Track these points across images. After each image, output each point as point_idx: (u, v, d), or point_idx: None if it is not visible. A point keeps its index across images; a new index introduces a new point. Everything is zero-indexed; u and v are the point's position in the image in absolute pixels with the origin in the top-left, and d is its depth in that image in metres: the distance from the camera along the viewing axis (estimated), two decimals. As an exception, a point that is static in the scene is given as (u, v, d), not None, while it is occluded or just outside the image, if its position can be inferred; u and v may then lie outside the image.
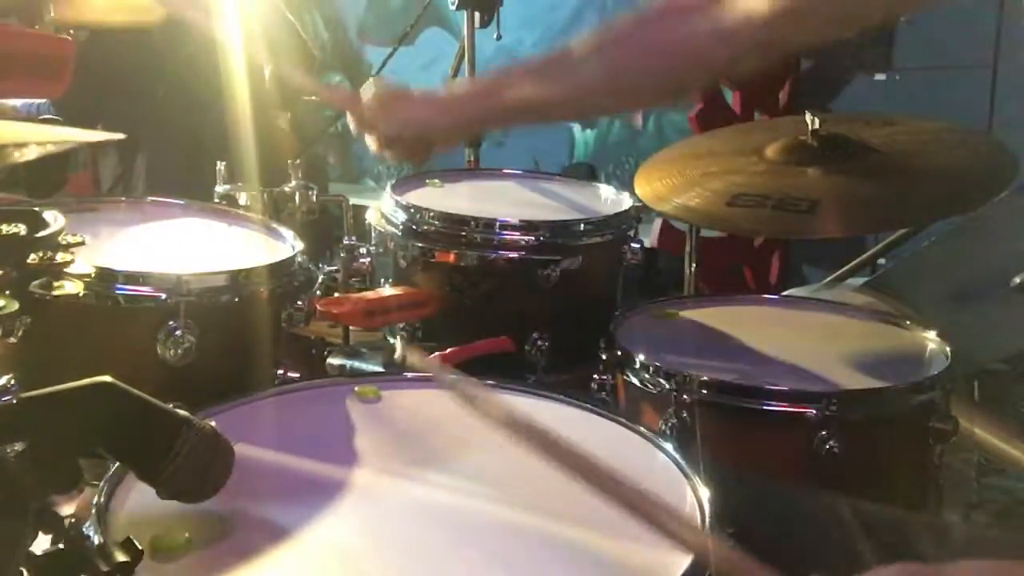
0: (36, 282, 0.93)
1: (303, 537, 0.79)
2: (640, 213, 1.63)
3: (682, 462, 0.94)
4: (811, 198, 1.49)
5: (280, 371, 1.26)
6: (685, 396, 1.20)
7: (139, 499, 0.82)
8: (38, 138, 1.09)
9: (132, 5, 2.39)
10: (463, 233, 1.47)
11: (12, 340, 1.04)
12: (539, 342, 1.45)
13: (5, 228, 0.93)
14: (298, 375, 1.25)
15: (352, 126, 1.31)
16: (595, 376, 1.34)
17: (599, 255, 1.52)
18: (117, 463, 0.82)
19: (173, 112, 2.49)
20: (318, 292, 1.38)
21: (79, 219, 1.30)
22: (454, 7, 2.53)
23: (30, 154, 1.03)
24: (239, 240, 1.44)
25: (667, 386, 1.22)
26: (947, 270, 1.95)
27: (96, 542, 0.73)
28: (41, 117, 2.42)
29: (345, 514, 0.84)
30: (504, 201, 1.69)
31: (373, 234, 1.58)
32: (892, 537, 1.08)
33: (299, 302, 1.30)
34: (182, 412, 0.74)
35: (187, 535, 0.77)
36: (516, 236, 1.47)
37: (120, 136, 1.33)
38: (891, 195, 1.52)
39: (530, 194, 1.76)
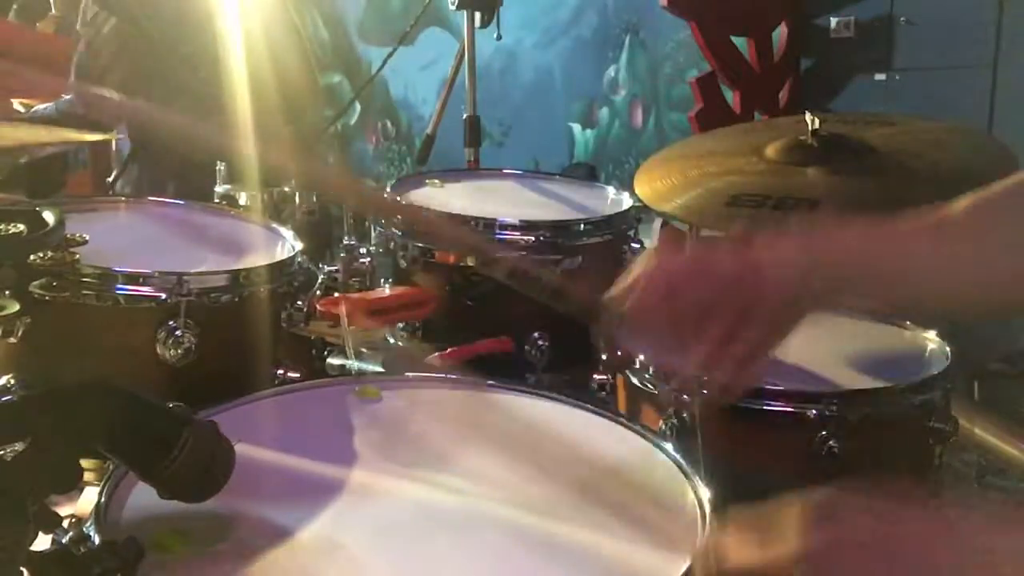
0: (36, 282, 0.93)
1: (303, 537, 0.79)
2: (640, 213, 1.63)
3: (682, 462, 0.94)
4: (811, 198, 1.48)
5: (280, 371, 1.26)
6: (685, 396, 1.20)
7: (139, 499, 0.82)
8: (37, 140, 1.10)
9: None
10: (463, 233, 1.47)
11: (12, 340, 1.04)
12: (539, 342, 1.45)
13: (5, 228, 0.93)
14: (298, 375, 1.25)
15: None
16: (595, 376, 1.34)
17: (599, 255, 1.52)
18: (117, 463, 0.82)
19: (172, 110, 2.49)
20: (318, 292, 1.38)
21: (79, 219, 1.30)
22: (454, 7, 2.53)
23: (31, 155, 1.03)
24: (239, 240, 1.44)
25: (667, 386, 1.22)
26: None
27: (97, 542, 0.73)
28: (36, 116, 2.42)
29: (345, 514, 0.84)
30: (504, 201, 1.69)
31: (373, 234, 1.58)
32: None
33: (299, 302, 1.30)
34: (182, 412, 0.74)
35: (187, 535, 0.77)
36: (516, 236, 1.47)
37: (117, 137, 1.33)
38: (891, 195, 1.52)
39: (530, 194, 1.76)
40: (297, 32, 2.56)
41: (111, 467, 0.84)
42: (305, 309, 1.31)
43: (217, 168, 1.66)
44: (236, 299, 1.22)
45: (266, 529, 0.80)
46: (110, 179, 2.52)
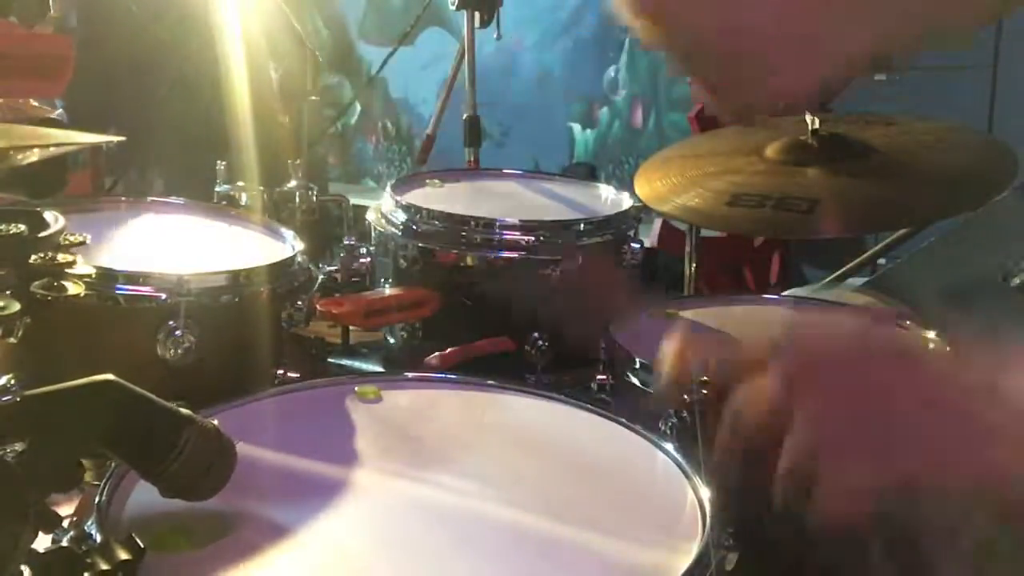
0: (37, 282, 0.93)
1: (303, 537, 0.79)
2: (640, 213, 1.63)
3: (682, 462, 0.94)
4: (811, 198, 1.48)
5: (280, 371, 1.26)
6: (685, 396, 1.19)
7: (141, 497, 0.82)
8: (40, 141, 1.10)
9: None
10: (463, 233, 1.47)
11: (12, 340, 1.04)
12: (539, 342, 1.45)
13: (5, 228, 0.93)
14: (298, 375, 1.25)
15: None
16: (595, 376, 1.34)
17: (599, 255, 1.52)
18: (118, 462, 0.82)
19: (174, 110, 2.49)
20: (318, 292, 1.38)
21: (79, 219, 1.30)
22: (454, 7, 2.53)
23: (32, 157, 1.03)
24: (239, 240, 1.44)
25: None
26: (947, 270, 1.94)
27: (98, 540, 0.73)
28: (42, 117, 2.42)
29: (345, 514, 0.84)
30: (504, 201, 1.69)
31: (373, 234, 1.58)
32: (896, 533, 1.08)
33: (299, 302, 1.30)
34: (184, 410, 0.74)
35: (188, 533, 0.77)
36: (516, 236, 1.47)
37: (119, 139, 1.33)
38: (891, 195, 1.52)
39: (530, 194, 1.76)
40: (287, 18, 2.55)
41: (112, 466, 0.84)
42: (305, 309, 1.31)
43: (217, 167, 1.66)
44: (236, 299, 1.22)
45: (267, 528, 0.80)
46: (108, 186, 2.52)
